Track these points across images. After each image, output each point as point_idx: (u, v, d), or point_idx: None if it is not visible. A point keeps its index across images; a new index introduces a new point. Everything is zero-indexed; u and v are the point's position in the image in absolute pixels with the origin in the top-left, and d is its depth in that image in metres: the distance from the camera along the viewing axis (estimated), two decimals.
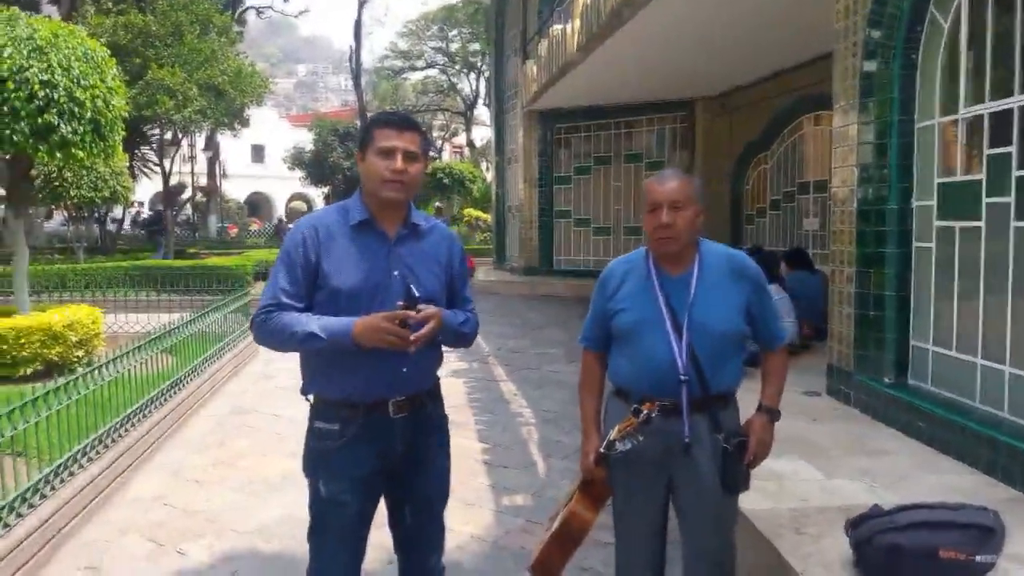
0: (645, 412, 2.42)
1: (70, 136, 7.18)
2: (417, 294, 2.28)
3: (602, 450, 2.48)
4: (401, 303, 2.27)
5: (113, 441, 4.95)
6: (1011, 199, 4.21)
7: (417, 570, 2.61)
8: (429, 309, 2.30)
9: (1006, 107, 4.26)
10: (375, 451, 2.41)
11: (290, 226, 22.42)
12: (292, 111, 72.90)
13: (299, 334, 2.28)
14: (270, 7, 37.49)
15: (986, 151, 4.42)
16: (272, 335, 2.34)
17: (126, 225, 28.14)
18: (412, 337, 2.24)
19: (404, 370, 2.38)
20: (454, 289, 2.58)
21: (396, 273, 2.38)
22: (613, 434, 2.45)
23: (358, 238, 2.40)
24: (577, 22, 10.62)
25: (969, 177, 4.60)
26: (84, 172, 15.20)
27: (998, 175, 4.32)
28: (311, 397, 2.47)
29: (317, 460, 2.45)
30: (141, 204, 42.73)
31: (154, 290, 12.33)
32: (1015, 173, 4.19)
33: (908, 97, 5.06)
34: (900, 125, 5.08)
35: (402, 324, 2.23)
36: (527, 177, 16.44)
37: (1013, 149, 4.20)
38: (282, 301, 2.34)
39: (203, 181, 34.06)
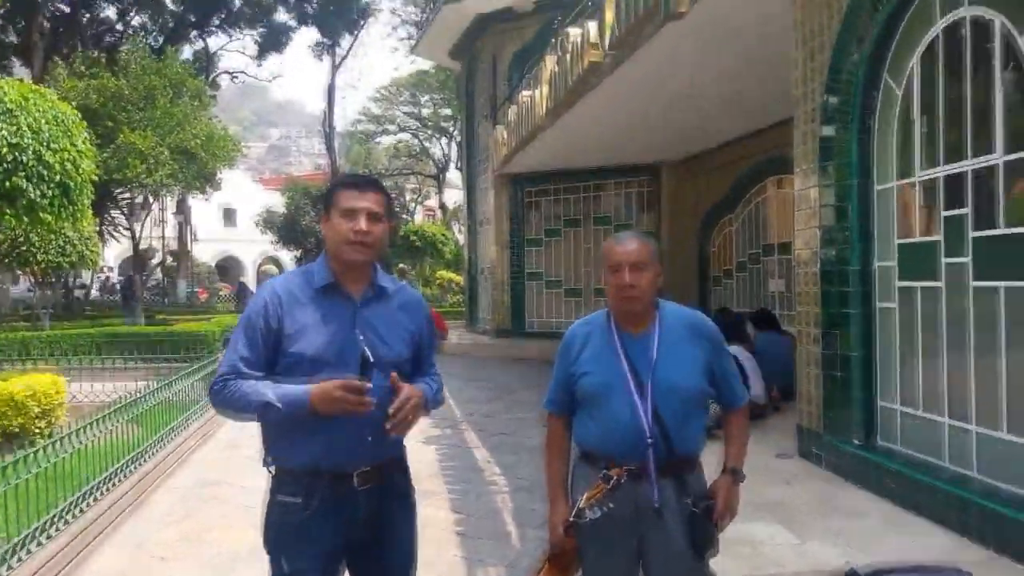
0: (615, 478, 2.41)
1: (38, 199, 7.15)
2: (371, 359, 2.20)
3: (572, 518, 2.45)
4: (358, 374, 2.21)
5: (74, 516, 4.80)
6: (968, 259, 4.32)
7: None
8: (411, 391, 2.28)
9: (959, 170, 4.40)
10: (340, 523, 2.34)
11: (129, 288, 21.70)
12: (264, 174, 73.08)
13: (255, 403, 2.24)
14: (243, 71, 38.08)
15: (942, 213, 4.55)
16: (229, 404, 2.29)
17: (94, 291, 27.77)
18: (392, 421, 2.22)
19: (369, 438, 2.31)
20: (422, 353, 2.54)
21: (362, 337, 2.32)
22: (582, 502, 2.43)
23: (323, 302, 2.36)
24: (545, 88, 10.85)
25: (927, 238, 4.72)
26: (52, 236, 15.05)
27: (954, 236, 4.45)
28: (272, 469, 2.40)
29: (280, 535, 2.37)
30: (110, 269, 42.32)
31: (120, 357, 12.12)
32: (971, 234, 4.31)
33: (866, 161, 5.22)
34: (859, 188, 5.23)
35: (356, 391, 2.18)
36: (498, 239, 16.55)
37: (968, 211, 4.33)
38: (241, 370, 2.29)
39: (173, 245, 33.86)
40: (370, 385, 2.18)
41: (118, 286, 24.28)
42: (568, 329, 2.69)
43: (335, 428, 2.26)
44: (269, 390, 2.24)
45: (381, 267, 2.53)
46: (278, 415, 2.24)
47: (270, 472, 2.42)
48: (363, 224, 2.33)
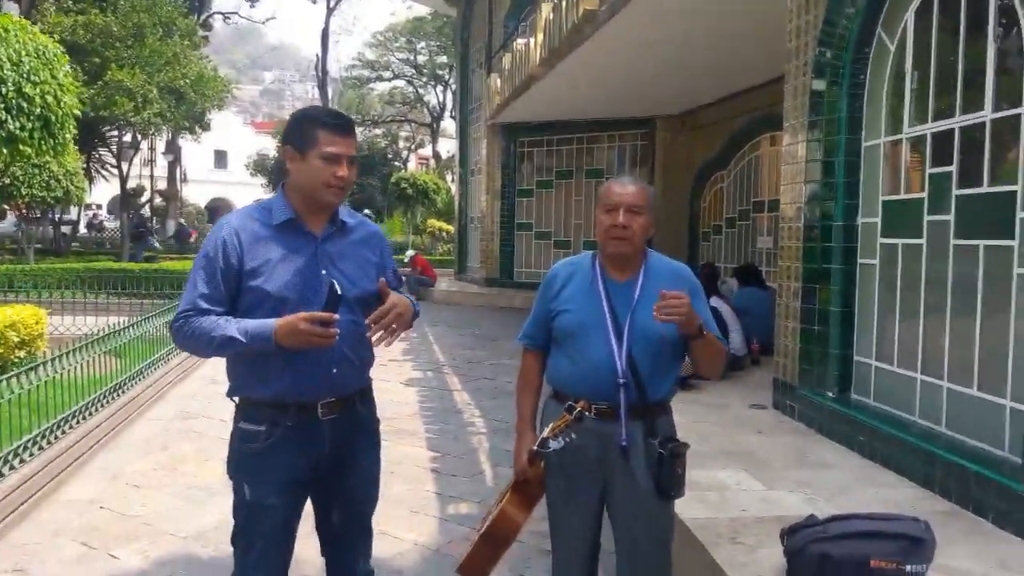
0: (579, 409, 2.42)
1: (17, 132, 7.03)
2: (339, 292, 2.19)
3: (535, 447, 2.47)
4: (322, 308, 2.21)
5: (49, 443, 4.82)
6: (951, 217, 4.31)
7: (344, 574, 2.57)
8: (396, 298, 2.31)
9: (947, 127, 4.37)
10: (302, 453, 2.35)
11: (144, 226, 22.76)
12: (258, 118, 72.24)
13: (217, 339, 2.22)
14: (236, 13, 37.31)
15: (928, 170, 4.53)
16: (191, 340, 2.28)
17: (82, 227, 27.58)
18: (375, 330, 2.25)
19: (334, 371, 2.34)
20: (389, 279, 2.51)
21: (324, 272, 2.32)
22: (546, 432, 2.45)
23: (283, 238, 2.33)
24: (540, 36, 10.68)
25: (912, 196, 4.70)
26: (36, 171, 14.89)
27: (939, 194, 4.43)
28: (237, 399, 2.42)
29: (242, 462, 2.39)
30: (99, 207, 41.97)
31: (104, 292, 12.09)
32: (955, 192, 4.29)
33: (855, 116, 5.17)
34: (847, 144, 5.19)
35: (324, 324, 2.17)
36: (489, 189, 16.48)
37: (953, 168, 4.31)
38: (201, 306, 2.27)
39: (162, 185, 33.56)
40: (337, 317, 2.17)
41: (126, 224, 24.21)
42: (552, 267, 2.68)
43: (300, 362, 2.27)
44: (232, 325, 2.22)
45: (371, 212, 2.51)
46: (242, 349, 2.22)
47: (234, 402, 2.43)
48: (346, 171, 2.31)
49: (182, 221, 23.12)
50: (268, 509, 2.35)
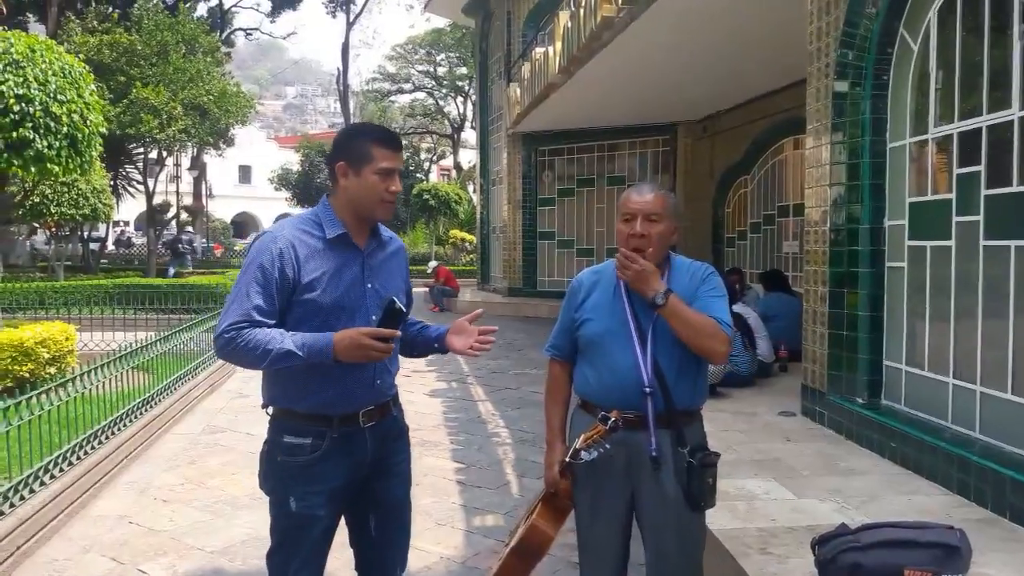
0: (613, 419, 2.38)
1: (45, 150, 7.15)
2: (403, 309, 2.29)
3: (568, 459, 2.44)
4: (378, 317, 2.30)
5: (79, 458, 4.86)
6: (980, 218, 4.24)
7: None
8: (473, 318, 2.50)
9: (974, 127, 4.30)
10: (349, 462, 2.40)
11: (191, 244, 23.18)
12: (281, 133, 72.97)
13: (275, 352, 2.22)
14: (258, 29, 37.80)
15: (955, 170, 4.46)
16: (241, 352, 2.25)
17: (110, 244, 27.97)
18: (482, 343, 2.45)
19: (377, 381, 2.42)
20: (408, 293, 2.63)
21: (369, 286, 2.40)
22: (579, 443, 2.41)
23: (335, 252, 2.37)
24: (559, 44, 10.69)
25: (939, 196, 4.63)
26: (64, 189, 15.12)
27: (967, 194, 4.36)
28: (271, 410, 2.43)
29: (286, 475, 2.38)
30: (125, 223, 42.55)
31: (133, 308, 12.23)
32: (984, 192, 4.22)
33: (879, 118, 5.11)
34: (872, 145, 5.12)
35: (384, 339, 2.23)
36: (511, 198, 16.48)
37: (982, 168, 4.24)
38: (254, 318, 2.26)
39: (188, 201, 33.95)
40: (399, 333, 2.26)
41: (163, 241, 24.59)
42: (576, 276, 2.67)
43: (348, 375, 2.32)
44: (288, 339, 2.23)
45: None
46: (299, 363, 2.24)
47: (268, 413, 2.45)
48: (398, 185, 2.39)
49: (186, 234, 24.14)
50: (315, 520, 2.38)
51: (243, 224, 52.00)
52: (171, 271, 19.91)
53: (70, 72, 7.61)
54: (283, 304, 2.31)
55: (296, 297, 2.30)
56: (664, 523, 2.46)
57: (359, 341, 2.20)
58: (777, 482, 4.21)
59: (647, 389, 2.40)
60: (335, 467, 2.37)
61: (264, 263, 2.29)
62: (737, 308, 6.82)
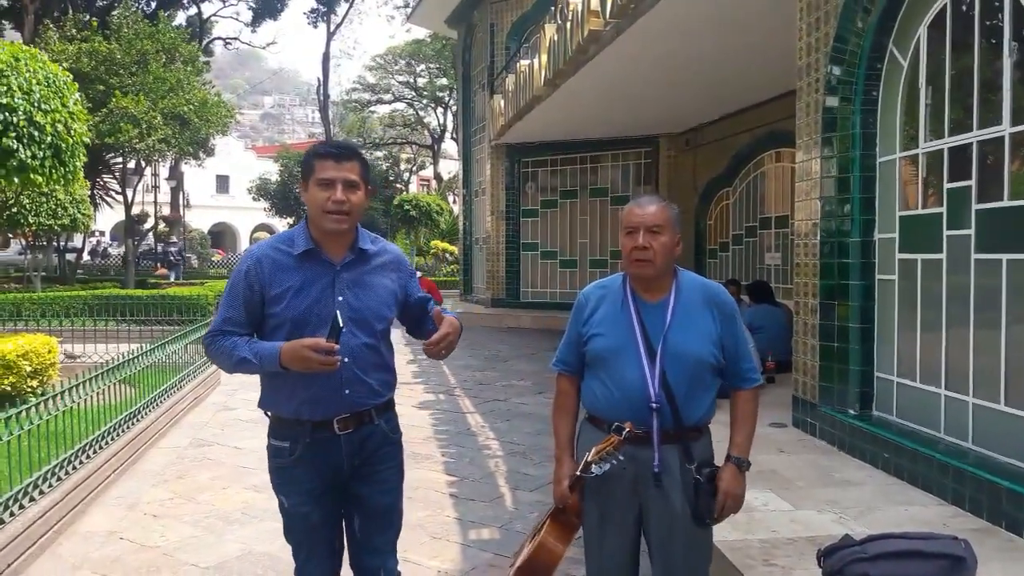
0: (627, 431, 2.37)
1: (29, 160, 7.04)
2: (341, 324, 2.32)
3: (579, 472, 2.42)
4: (327, 335, 2.34)
5: (67, 474, 4.78)
6: (971, 231, 4.30)
7: None
8: (451, 325, 2.47)
9: (964, 142, 4.36)
10: (323, 465, 2.51)
11: (181, 254, 26.07)
12: (258, 142, 72.58)
13: (235, 358, 2.44)
14: (237, 38, 37.55)
15: (946, 185, 4.52)
16: (215, 358, 2.53)
17: (85, 255, 27.63)
18: (439, 346, 2.44)
19: (346, 391, 2.47)
20: (412, 299, 2.67)
21: (340, 299, 2.46)
22: (590, 455, 2.38)
23: (303, 267, 2.48)
24: (544, 57, 10.73)
25: (930, 210, 4.69)
26: (43, 199, 14.92)
27: (958, 208, 4.42)
28: (270, 413, 2.59)
29: (274, 475, 2.59)
30: (101, 233, 42.02)
31: (113, 320, 12.07)
32: (974, 206, 4.28)
33: (869, 132, 5.18)
34: (862, 160, 5.19)
35: (327, 352, 2.31)
36: (494, 210, 16.50)
37: (972, 183, 4.30)
38: (224, 329, 2.48)
39: (166, 211, 33.63)
40: (337, 346, 2.31)
41: (132, 251, 25.67)
42: (583, 290, 2.66)
43: (314, 384, 2.44)
44: (247, 347, 2.43)
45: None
46: (255, 370, 2.44)
47: (268, 416, 2.60)
48: (340, 194, 2.42)
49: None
50: (304, 516, 2.56)
51: (221, 234, 51.56)
52: (173, 276, 21.75)
53: (54, 81, 7.51)
54: (257, 316, 2.49)
55: (267, 310, 2.47)
56: (671, 538, 2.46)
57: (300, 353, 2.30)
58: (774, 493, 4.23)
59: (653, 404, 2.40)
60: (308, 471, 2.50)
61: (235, 279, 2.52)
62: None
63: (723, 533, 3.56)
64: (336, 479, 2.54)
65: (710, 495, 2.42)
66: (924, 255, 4.72)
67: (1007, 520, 3.67)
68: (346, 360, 2.39)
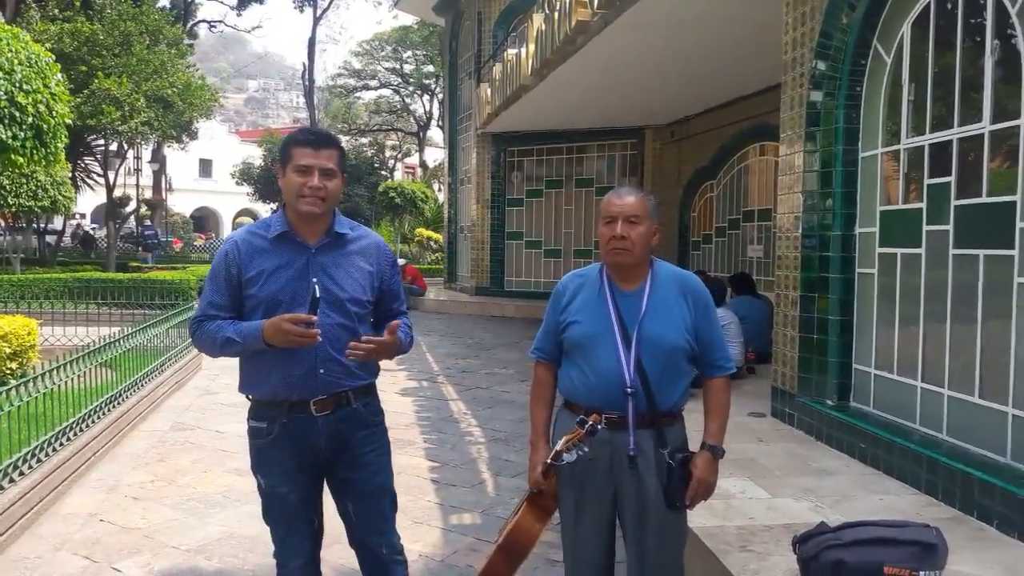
0: (590, 423, 2.43)
1: (10, 141, 6.97)
2: (319, 296, 2.40)
3: (549, 460, 2.48)
4: (307, 311, 2.41)
5: (47, 456, 4.76)
6: (950, 227, 4.36)
7: (373, 558, 2.74)
8: (385, 340, 2.52)
9: (945, 139, 4.42)
10: (301, 446, 2.58)
11: (156, 237, 27.04)
12: (242, 127, 72.03)
13: (220, 340, 2.52)
14: (222, 21, 37.25)
15: (926, 181, 4.58)
16: (203, 341, 2.60)
17: (66, 237, 27.37)
18: (350, 351, 2.47)
19: (321, 371, 2.54)
20: (386, 292, 2.72)
21: (315, 280, 2.50)
22: (560, 445, 2.46)
23: (278, 249, 2.57)
24: (531, 47, 10.72)
25: (910, 206, 4.75)
26: (24, 180, 14.76)
27: (937, 204, 4.48)
28: (250, 396, 2.65)
29: (253, 456, 2.65)
30: (82, 216, 41.62)
31: (94, 303, 11.99)
32: (954, 202, 4.34)
33: (852, 127, 5.23)
34: (844, 155, 5.24)
35: (307, 324, 2.38)
36: (479, 198, 16.49)
37: (952, 179, 4.36)
38: (209, 313, 2.58)
39: (148, 194, 33.34)
40: (315, 318, 2.39)
41: (114, 233, 25.66)
42: (561, 279, 2.71)
43: (289, 364, 2.51)
44: (231, 327, 2.51)
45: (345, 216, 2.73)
46: (240, 349, 2.51)
47: (249, 399, 2.67)
48: (316, 180, 2.51)
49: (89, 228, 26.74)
50: (281, 496, 2.62)
51: (203, 218, 51.22)
52: (150, 259, 21.91)
53: (36, 62, 7.42)
54: (236, 298, 2.57)
55: (244, 292, 2.56)
56: (644, 521, 2.52)
57: (279, 326, 2.39)
58: (752, 481, 4.29)
59: (629, 390, 2.46)
60: (284, 450, 2.57)
61: (216, 264, 2.61)
62: (720, 312, 6.90)
63: (700, 519, 3.61)
64: (315, 460, 2.61)
65: (682, 480, 2.48)
66: (904, 249, 4.78)
67: (978, 509, 3.74)
68: (320, 339, 2.43)
